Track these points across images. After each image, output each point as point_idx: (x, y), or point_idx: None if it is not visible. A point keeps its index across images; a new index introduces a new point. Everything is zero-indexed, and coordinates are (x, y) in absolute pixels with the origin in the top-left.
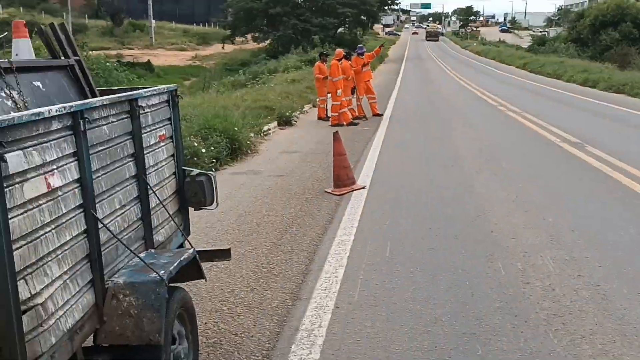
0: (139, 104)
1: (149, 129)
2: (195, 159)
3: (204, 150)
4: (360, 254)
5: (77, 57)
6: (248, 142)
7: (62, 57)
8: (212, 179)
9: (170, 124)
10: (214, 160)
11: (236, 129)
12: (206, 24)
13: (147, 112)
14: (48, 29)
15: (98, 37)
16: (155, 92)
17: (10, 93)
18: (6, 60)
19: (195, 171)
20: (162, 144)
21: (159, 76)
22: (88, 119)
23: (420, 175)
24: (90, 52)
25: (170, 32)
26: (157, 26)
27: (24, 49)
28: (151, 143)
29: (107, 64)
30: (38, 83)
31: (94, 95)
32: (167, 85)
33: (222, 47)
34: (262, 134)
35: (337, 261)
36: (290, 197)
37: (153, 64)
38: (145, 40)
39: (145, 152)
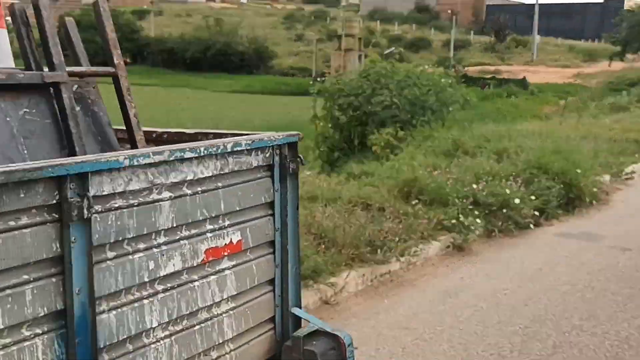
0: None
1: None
2: (503, 210)
3: (517, 201)
4: None
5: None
6: (593, 190)
7: (35, 69)
8: (344, 346)
9: (271, 215)
10: (535, 213)
11: (578, 170)
12: (596, 39)
13: (186, 193)
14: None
15: (479, 53)
16: (213, 149)
17: None
18: None
19: (315, 326)
20: (225, 264)
21: (532, 93)
22: None
23: None
24: (468, 67)
25: (554, 48)
26: (542, 42)
27: None
28: (177, 268)
29: (442, 79)
30: None
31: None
32: (271, 133)
33: (609, 65)
34: (621, 177)
35: None
36: (635, 295)
37: (529, 81)
38: (527, 57)
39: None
